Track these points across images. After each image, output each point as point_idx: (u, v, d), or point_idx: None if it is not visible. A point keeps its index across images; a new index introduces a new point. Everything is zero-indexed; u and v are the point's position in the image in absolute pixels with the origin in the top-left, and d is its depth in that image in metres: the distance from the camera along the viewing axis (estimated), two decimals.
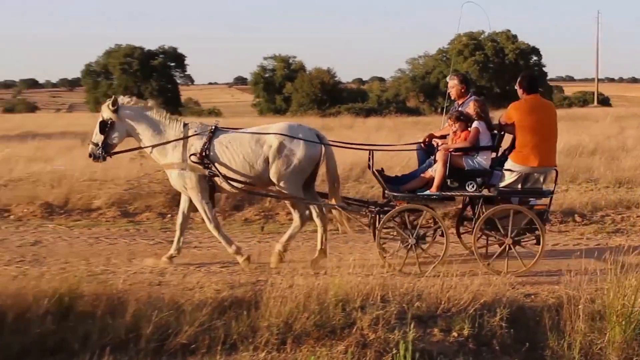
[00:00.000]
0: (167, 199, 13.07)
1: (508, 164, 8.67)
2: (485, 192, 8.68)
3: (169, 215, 12.73)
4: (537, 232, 8.66)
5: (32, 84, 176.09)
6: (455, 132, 8.97)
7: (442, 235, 8.81)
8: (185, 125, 9.40)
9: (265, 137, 9.14)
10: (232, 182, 9.08)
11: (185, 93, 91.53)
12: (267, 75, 78.91)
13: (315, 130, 9.57)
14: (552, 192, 8.86)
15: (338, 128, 34.15)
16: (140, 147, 9.67)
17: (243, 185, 9.29)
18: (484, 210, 8.73)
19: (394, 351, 6.01)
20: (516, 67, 74.22)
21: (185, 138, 9.16)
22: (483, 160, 8.80)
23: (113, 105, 9.25)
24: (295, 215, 9.34)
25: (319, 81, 70.49)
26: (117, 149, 9.54)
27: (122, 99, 9.57)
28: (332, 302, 6.77)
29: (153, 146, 9.31)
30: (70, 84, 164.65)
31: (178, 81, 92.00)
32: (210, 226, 9.29)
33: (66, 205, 13.13)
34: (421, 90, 75.33)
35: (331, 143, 9.57)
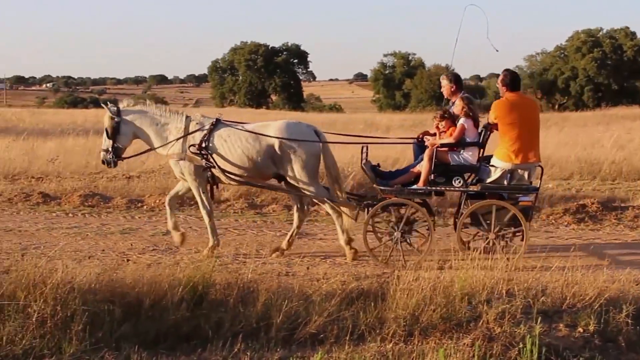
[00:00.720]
0: None
1: (492, 161, 8.76)
2: (469, 188, 8.80)
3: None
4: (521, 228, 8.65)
5: (161, 79, 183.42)
6: (437, 127, 9.14)
7: (428, 229, 8.94)
8: (187, 118, 9.62)
9: (267, 134, 9.29)
10: (227, 174, 9.27)
11: (307, 89, 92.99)
12: (387, 71, 78.99)
13: (314, 126, 9.70)
14: (537, 189, 8.83)
15: None
16: (149, 150, 9.92)
17: (239, 178, 9.44)
18: (468, 205, 8.84)
19: (520, 345, 5.89)
20: (635, 64, 72.09)
21: (188, 134, 9.36)
22: (469, 156, 8.86)
23: (115, 111, 9.55)
24: (296, 213, 9.61)
25: (438, 77, 70.04)
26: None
27: (122, 103, 9.89)
28: (458, 296, 6.73)
29: (153, 148, 9.69)
30: (197, 80, 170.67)
31: (300, 77, 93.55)
32: (203, 212, 9.50)
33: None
34: (539, 87, 73.87)
35: (328, 139, 9.72)
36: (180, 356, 5.71)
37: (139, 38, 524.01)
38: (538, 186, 8.87)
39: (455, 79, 9.56)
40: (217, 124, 9.48)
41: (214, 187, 9.68)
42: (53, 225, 9.85)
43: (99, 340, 5.73)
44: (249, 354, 5.77)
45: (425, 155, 8.83)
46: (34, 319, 5.73)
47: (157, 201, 12.96)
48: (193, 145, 9.27)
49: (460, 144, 8.85)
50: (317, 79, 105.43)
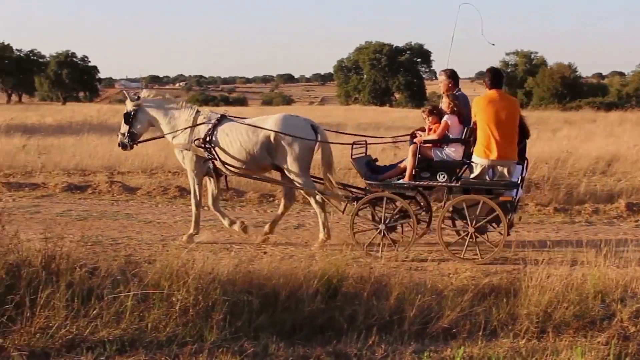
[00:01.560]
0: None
1: (473, 157, 8.71)
2: (451, 183, 8.79)
3: None
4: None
5: (288, 78, 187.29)
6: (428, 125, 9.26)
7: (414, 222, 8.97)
8: (197, 112, 10.06)
9: (257, 126, 9.60)
10: (227, 166, 9.68)
11: (429, 87, 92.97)
12: (509, 70, 77.42)
13: (310, 120, 9.85)
14: (517, 185, 8.73)
15: (580, 122, 32.79)
16: (161, 136, 10.42)
17: (237, 169, 9.79)
18: (450, 200, 8.88)
19: None
20: None
21: (193, 126, 9.83)
22: (452, 152, 8.89)
23: (134, 99, 10.19)
24: (283, 200, 10.10)
25: (560, 76, 69.16)
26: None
27: (144, 93, 10.42)
28: (591, 294, 6.60)
29: (162, 135, 10.24)
30: (323, 79, 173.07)
31: (423, 76, 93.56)
32: (192, 201, 9.95)
33: None
34: None
35: (330, 135, 10.08)
36: (316, 347, 5.75)
37: (267, 39, 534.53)
38: (518, 182, 8.76)
39: (452, 75, 9.43)
40: (221, 119, 9.85)
41: (225, 177, 10.21)
42: (190, 218, 10.11)
43: (238, 329, 5.83)
44: (383, 346, 5.77)
45: (410, 151, 8.98)
46: (177, 308, 5.89)
47: None
48: (198, 138, 9.70)
49: (443, 140, 8.90)
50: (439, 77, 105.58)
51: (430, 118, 9.24)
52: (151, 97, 10.29)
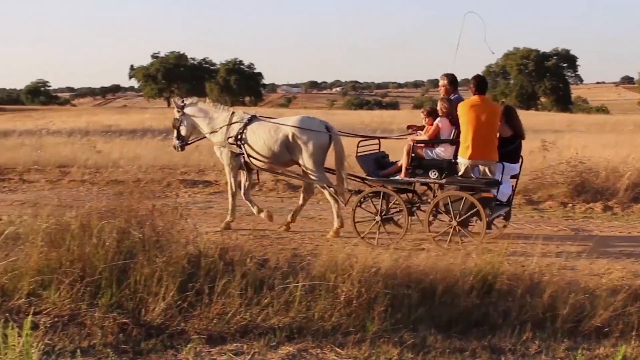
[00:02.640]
0: (569, 189, 12.94)
1: (458, 157, 9.06)
2: (441, 180, 9.18)
3: (570, 205, 12.57)
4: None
5: (438, 83, 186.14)
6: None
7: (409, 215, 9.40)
8: (232, 113, 10.88)
9: (281, 127, 10.26)
10: (253, 160, 10.46)
11: (574, 92, 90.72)
12: None
13: (325, 122, 10.47)
14: (498, 182, 9.02)
15: None
16: (203, 137, 11.31)
17: (262, 164, 10.53)
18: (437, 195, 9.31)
19: None
20: None
21: (228, 124, 10.66)
22: (441, 151, 9.36)
23: (180, 106, 11.18)
24: (302, 194, 10.79)
25: None
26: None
27: (187, 100, 11.36)
28: None
29: (204, 136, 11.17)
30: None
31: (569, 80, 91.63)
32: (229, 192, 10.77)
33: None
34: None
35: (339, 132, 10.60)
36: (472, 340, 5.81)
37: (418, 45, 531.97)
38: (499, 180, 9.07)
39: (451, 80, 9.75)
40: (252, 119, 10.68)
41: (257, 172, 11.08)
42: (345, 215, 10.30)
43: (398, 321, 5.96)
44: (537, 342, 5.78)
45: (404, 150, 9.46)
46: (341, 299, 6.09)
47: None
48: (231, 136, 10.53)
49: (435, 141, 9.35)
50: (584, 82, 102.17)
51: (427, 119, 9.76)
52: (193, 104, 11.21)
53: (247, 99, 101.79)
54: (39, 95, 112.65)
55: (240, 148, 10.53)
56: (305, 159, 10.17)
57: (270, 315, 5.99)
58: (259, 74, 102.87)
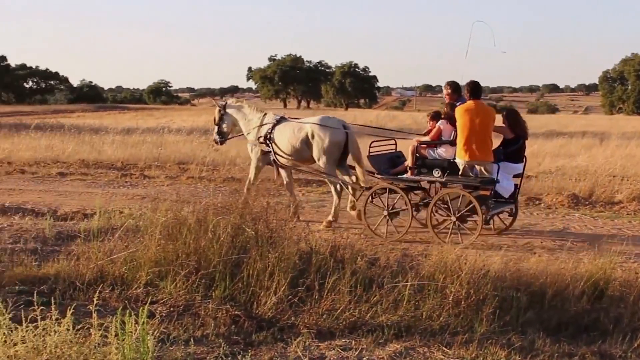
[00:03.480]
0: None
1: (456, 158, 9.51)
2: (444, 178, 9.61)
3: None
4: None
5: (553, 88, 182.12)
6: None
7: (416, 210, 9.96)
8: (264, 115, 11.62)
9: (303, 125, 10.93)
10: (279, 158, 11.13)
11: None
12: None
13: (342, 121, 11.06)
14: (494, 181, 9.32)
15: None
16: (241, 134, 12.14)
17: (288, 161, 11.17)
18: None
19: None
20: None
21: (259, 126, 11.41)
22: (443, 152, 9.83)
23: (222, 105, 12.08)
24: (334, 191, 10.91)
25: None
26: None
27: (229, 100, 12.37)
28: None
29: (240, 134, 12.10)
30: (587, 89, 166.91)
31: None
32: (247, 185, 11.27)
33: (590, 197, 13.21)
34: None
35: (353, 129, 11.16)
36: (581, 345, 5.63)
37: (533, 50, 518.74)
38: (495, 179, 9.34)
39: (454, 87, 10.14)
40: (280, 120, 11.33)
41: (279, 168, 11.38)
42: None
43: (506, 323, 5.85)
44: None
45: (409, 150, 9.95)
46: (450, 299, 6.03)
47: (554, 200, 12.91)
48: (261, 136, 11.24)
49: (437, 142, 9.85)
50: None
51: (431, 122, 10.32)
52: (233, 104, 12.12)
53: (361, 101, 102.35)
54: (161, 95, 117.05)
55: (269, 146, 11.22)
56: (320, 154, 10.74)
57: (378, 313, 6.00)
58: (374, 77, 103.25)
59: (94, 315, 4.67)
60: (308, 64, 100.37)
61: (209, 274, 6.46)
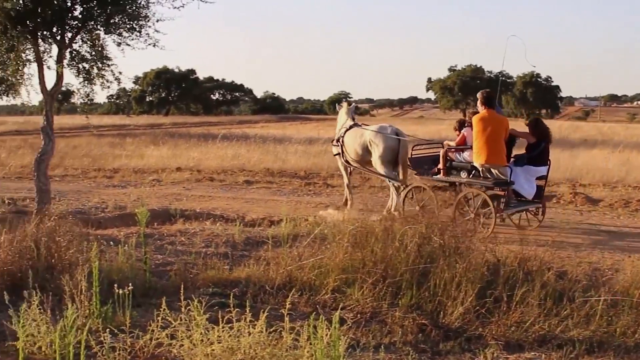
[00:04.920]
0: None
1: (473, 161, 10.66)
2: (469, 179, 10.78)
3: None
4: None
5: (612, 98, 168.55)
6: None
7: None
8: (346, 120, 13.11)
9: (364, 132, 12.39)
10: (348, 159, 12.76)
11: None
12: None
13: (396, 129, 12.30)
14: (507, 183, 10.39)
15: None
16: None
17: (354, 162, 12.77)
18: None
19: None
20: None
21: (343, 131, 12.94)
22: (467, 156, 10.93)
23: (339, 107, 13.87)
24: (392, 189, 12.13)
25: None
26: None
27: (342, 103, 13.87)
28: None
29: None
30: None
31: None
32: (345, 184, 13.13)
33: None
34: None
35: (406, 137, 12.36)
36: None
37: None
38: (508, 180, 10.41)
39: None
40: (353, 126, 12.81)
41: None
42: None
43: None
44: None
45: (440, 153, 11.22)
46: None
47: None
48: (337, 140, 12.99)
49: (460, 147, 11.09)
50: None
51: (457, 130, 11.66)
52: (342, 107, 13.66)
53: (543, 112, 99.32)
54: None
55: (340, 149, 12.86)
56: (376, 157, 12.12)
57: (569, 327, 5.85)
58: (557, 87, 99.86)
59: (286, 318, 4.84)
60: (489, 74, 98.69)
61: (396, 282, 6.54)
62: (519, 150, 11.37)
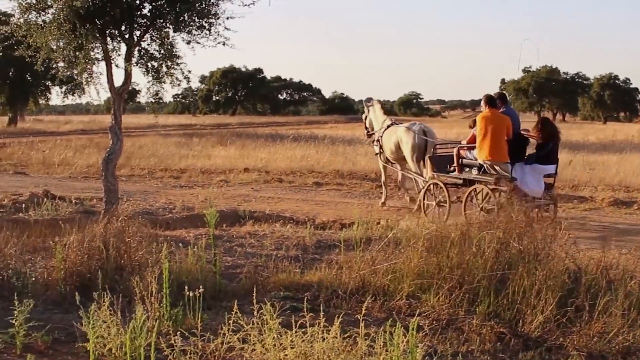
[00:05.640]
0: None
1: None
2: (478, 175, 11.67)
3: None
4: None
5: None
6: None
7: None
8: (384, 121, 14.55)
9: (396, 130, 13.85)
10: (383, 156, 14.31)
11: None
12: None
13: (424, 127, 13.75)
14: (514, 179, 11.14)
15: None
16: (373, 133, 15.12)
17: (391, 159, 14.20)
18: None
19: None
20: None
21: (382, 130, 14.42)
22: (476, 154, 11.69)
23: (366, 104, 15.50)
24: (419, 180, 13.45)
25: None
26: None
27: (373, 101, 15.31)
28: None
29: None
30: None
31: None
32: (382, 179, 14.76)
33: None
34: None
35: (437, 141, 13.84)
36: None
37: None
38: (510, 176, 11.18)
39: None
40: (390, 125, 14.19)
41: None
42: None
43: None
44: None
45: (454, 152, 12.20)
46: None
47: None
48: (376, 139, 14.51)
49: (471, 145, 11.88)
50: None
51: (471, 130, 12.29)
52: (372, 106, 15.14)
53: (621, 114, 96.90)
54: (411, 106, 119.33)
55: (379, 146, 14.32)
56: (406, 154, 13.56)
57: None
58: (635, 89, 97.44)
59: (361, 324, 4.82)
60: (565, 76, 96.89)
61: (473, 289, 6.48)
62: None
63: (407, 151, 13.41)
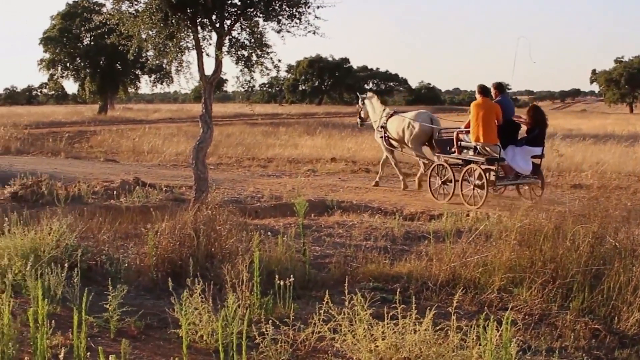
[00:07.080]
0: None
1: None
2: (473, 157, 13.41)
3: None
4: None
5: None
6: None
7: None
8: (384, 110, 16.31)
9: (405, 118, 15.44)
10: (392, 141, 15.78)
11: None
12: None
13: (431, 116, 15.59)
14: (499, 159, 12.95)
15: None
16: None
17: (397, 143, 15.75)
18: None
19: None
20: None
21: (383, 118, 16.13)
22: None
23: (360, 98, 17.72)
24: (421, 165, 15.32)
25: None
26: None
27: (367, 94, 17.49)
28: None
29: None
30: None
31: None
32: (386, 162, 16.44)
33: None
34: None
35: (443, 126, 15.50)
36: None
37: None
38: (498, 157, 12.89)
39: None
40: (393, 114, 15.93)
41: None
42: None
43: None
44: None
45: (454, 136, 13.75)
46: None
47: None
48: (380, 125, 15.99)
49: (467, 130, 13.35)
50: None
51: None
52: (368, 98, 17.00)
53: None
54: None
55: (384, 133, 15.74)
56: (411, 139, 15.09)
57: None
58: None
59: (453, 317, 4.80)
60: None
61: (567, 284, 6.40)
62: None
63: (413, 135, 15.03)
